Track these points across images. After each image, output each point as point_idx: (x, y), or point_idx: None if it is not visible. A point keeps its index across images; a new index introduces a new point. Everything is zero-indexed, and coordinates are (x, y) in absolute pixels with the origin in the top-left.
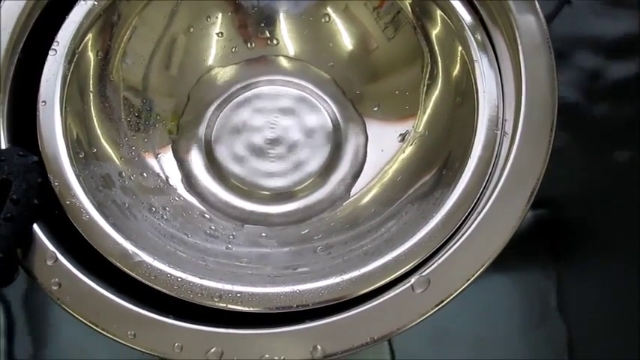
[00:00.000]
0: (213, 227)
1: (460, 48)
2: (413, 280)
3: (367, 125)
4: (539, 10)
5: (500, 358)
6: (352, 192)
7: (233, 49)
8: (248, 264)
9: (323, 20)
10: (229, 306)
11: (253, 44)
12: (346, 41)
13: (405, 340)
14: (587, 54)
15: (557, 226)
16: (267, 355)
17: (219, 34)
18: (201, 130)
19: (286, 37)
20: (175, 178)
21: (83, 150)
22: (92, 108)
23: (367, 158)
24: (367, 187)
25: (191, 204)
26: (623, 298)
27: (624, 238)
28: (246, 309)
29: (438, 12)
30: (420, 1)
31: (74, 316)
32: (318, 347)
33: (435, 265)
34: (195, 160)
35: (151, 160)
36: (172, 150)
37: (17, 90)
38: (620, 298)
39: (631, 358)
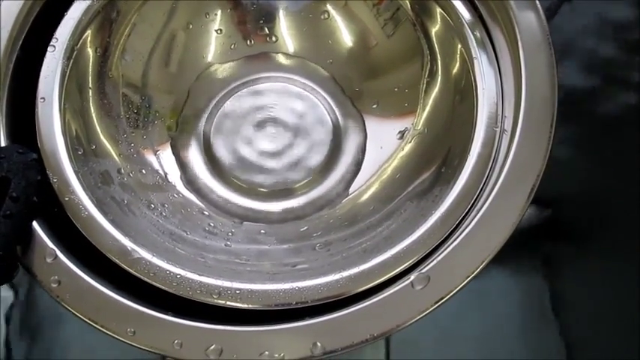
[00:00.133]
0: (212, 224)
1: (459, 45)
2: (413, 277)
3: (366, 122)
4: (539, 6)
5: (499, 358)
6: (351, 189)
7: (232, 46)
8: (247, 261)
9: (322, 17)
10: (228, 303)
11: (252, 41)
12: (345, 38)
13: (403, 339)
14: (587, 52)
15: (557, 226)
16: (266, 352)
17: (219, 31)
18: (200, 127)
19: (285, 33)
20: (174, 175)
21: (82, 147)
22: (91, 105)
23: (366, 155)
24: (366, 185)
25: (190, 201)
26: (623, 298)
27: (624, 238)
28: (245, 306)
29: (438, 9)
30: None
31: (74, 313)
32: (318, 344)
33: (435, 262)
34: (194, 157)
35: (150, 157)
36: (171, 147)
37: (16, 87)
38: (619, 298)
39: (631, 358)
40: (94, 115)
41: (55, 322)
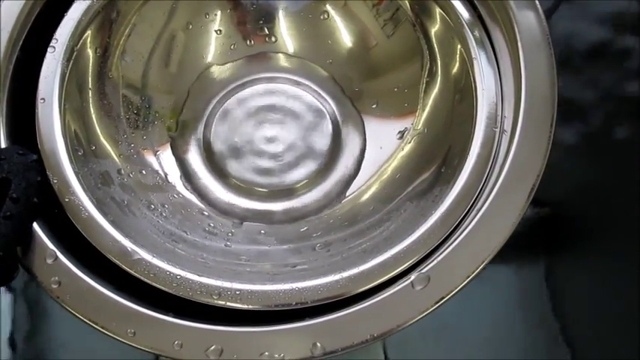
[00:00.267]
0: (212, 224)
1: (459, 45)
2: (413, 277)
3: (366, 122)
4: (538, 6)
5: (499, 357)
6: (351, 189)
7: (232, 47)
8: (247, 261)
9: (322, 17)
10: (228, 303)
11: (252, 41)
12: (345, 38)
13: (403, 339)
14: (586, 51)
15: (557, 225)
16: (266, 353)
17: (218, 32)
18: (200, 127)
19: (285, 34)
20: (174, 176)
21: (82, 147)
22: (91, 105)
23: (366, 156)
24: (366, 185)
25: (190, 201)
26: (623, 298)
27: (624, 237)
28: (245, 306)
29: (437, 9)
30: None
31: (74, 314)
32: (318, 344)
33: (435, 262)
34: (194, 157)
35: (150, 158)
36: (171, 147)
37: (16, 88)
38: (619, 298)
39: (631, 358)
40: (93, 116)
41: (55, 321)
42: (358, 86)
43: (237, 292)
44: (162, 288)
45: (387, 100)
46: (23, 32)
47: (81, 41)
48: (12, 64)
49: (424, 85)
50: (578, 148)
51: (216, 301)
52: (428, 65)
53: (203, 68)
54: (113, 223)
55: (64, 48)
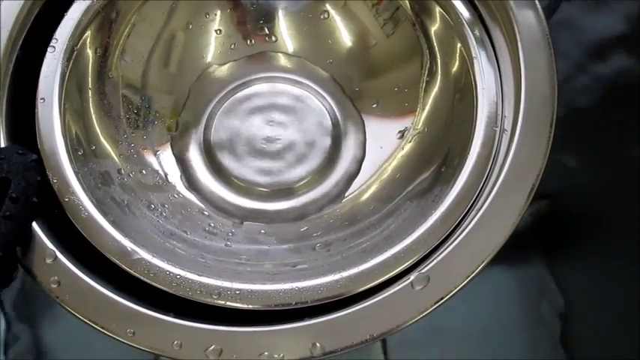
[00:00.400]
0: (212, 224)
1: (459, 45)
2: (412, 277)
3: (366, 122)
4: (538, 6)
5: (498, 357)
6: (351, 189)
7: (232, 46)
8: (247, 261)
9: (322, 17)
10: (228, 303)
11: (252, 41)
12: (345, 38)
13: (403, 338)
14: (586, 50)
15: (557, 223)
16: (266, 353)
17: (218, 31)
18: (200, 127)
19: (285, 33)
20: (174, 176)
21: (82, 147)
22: (91, 105)
23: (366, 155)
24: (366, 184)
25: (190, 201)
26: (624, 296)
27: (624, 237)
28: (244, 306)
29: (437, 8)
30: None
31: (73, 314)
32: (317, 344)
33: (435, 262)
34: (194, 157)
35: (150, 158)
36: (171, 147)
37: (16, 88)
38: (619, 298)
39: (631, 358)
40: (93, 116)
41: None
42: (358, 86)
43: (237, 292)
44: (162, 288)
45: (387, 99)
46: (23, 32)
47: (81, 41)
48: (12, 63)
49: (424, 84)
50: (578, 145)
51: (216, 301)
52: (428, 64)
53: (203, 68)
54: (113, 222)
55: (64, 48)
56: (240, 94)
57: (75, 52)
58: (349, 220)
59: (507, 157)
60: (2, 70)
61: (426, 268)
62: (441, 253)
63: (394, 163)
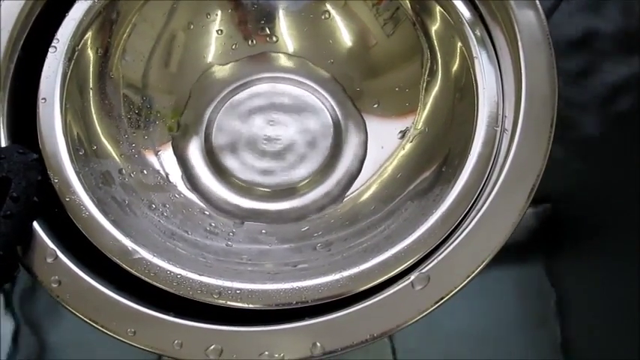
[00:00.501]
0: (213, 224)
1: (460, 44)
2: (413, 277)
3: (367, 122)
4: (539, 5)
5: (498, 357)
6: (352, 189)
7: (233, 47)
8: (248, 261)
9: (323, 17)
10: (229, 303)
11: (253, 41)
12: (346, 38)
13: (404, 339)
14: (585, 49)
15: (557, 224)
16: (266, 352)
17: (219, 32)
18: (202, 127)
19: (286, 34)
20: (175, 175)
21: (83, 147)
22: (92, 105)
23: (367, 155)
24: (367, 184)
25: (191, 201)
26: (623, 298)
27: (624, 236)
28: (245, 306)
29: (438, 8)
30: None
31: (74, 313)
32: (318, 344)
33: (435, 261)
34: (195, 157)
35: (151, 158)
36: (172, 147)
37: (17, 88)
38: (619, 298)
39: (631, 358)
40: (94, 116)
41: (54, 321)
42: (359, 86)
43: (238, 292)
44: (163, 287)
45: (388, 99)
46: (24, 32)
47: (82, 41)
48: (13, 63)
49: (425, 84)
50: (578, 146)
51: (216, 301)
52: (428, 64)
53: (204, 68)
54: (114, 222)
55: (66, 48)
56: (241, 95)
57: (76, 53)
58: (350, 220)
59: (508, 157)
60: (3, 70)
61: (426, 267)
62: (441, 253)
63: (395, 162)
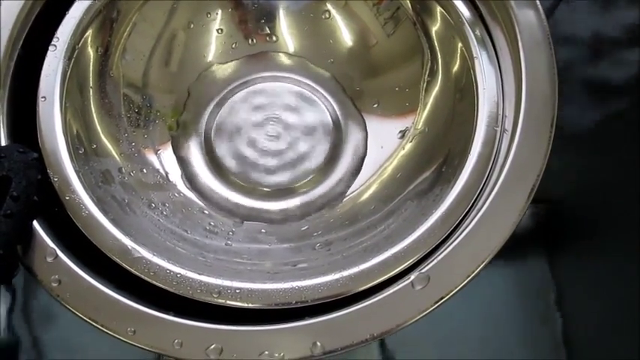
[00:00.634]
0: (212, 223)
1: (460, 44)
2: (413, 276)
3: (367, 122)
4: (539, 5)
5: (499, 357)
6: (352, 188)
7: (233, 46)
8: (247, 260)
9: (323, 17)
10: (228, 302)
11: (253, 40)
12: (346, 37)
13: (402, 339)
14: (585, 49)
15: (557, 224)
16: (266, 352)
17: (219, 31)
18: (201, 126)
19: (286, 33)
20: (175, 175)
21: (83, 146)
22: (92, 104)
23: (367, 155)
24: (367, 184)
25: (191, 200)
26: (624, 298)
27: (624, 235)
28: (245, 305)
29: (438, 8)
30: None
31: (74, 312)
32: (318, 344)
33: (435, 261)
34: (195, 156)
35: (151, 157)
36: (172, 146)
37: (17, 86)
38: (620, 298)
39: (631, 358)
40: (94, 115)
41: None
42: (359, 85)
43: (237, 291)
44: (163, 286)
45: (388, 99)
46: (24, 31)
47: (82, 40)
48: (13, 62)
49: (425, 84)
50: (579, 146)
51: (216, 300)
52: (429, 64)
53: (204, 67)
54: (113, 221)
55: (66, 46)
56: (241, 94)
57: (76, 51)
58: (350, 220)
59: (508, 157)
60: (3, 68)
61: (426, 267)
62: (441, 253)
63: (395, 162)
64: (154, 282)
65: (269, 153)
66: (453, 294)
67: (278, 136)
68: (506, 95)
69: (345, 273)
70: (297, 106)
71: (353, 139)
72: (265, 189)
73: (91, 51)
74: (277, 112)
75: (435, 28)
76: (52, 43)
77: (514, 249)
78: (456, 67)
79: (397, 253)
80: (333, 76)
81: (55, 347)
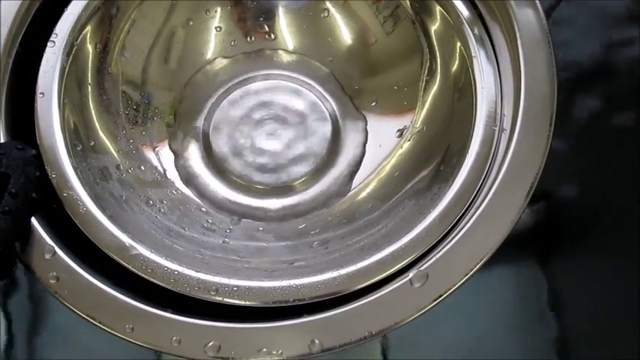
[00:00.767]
0: (210, 221)
1: (459, 43)
2: (411, 274)
3: (366, 120)
4: (538, 5)
5: (495, 357)
6: (350, 187)
7: (232, 43)
8: (245, 258)
9: (322, 15)
10: (225, 299)
11: (252, 38)
12: (345, 36)
13: (401, 339)
14: (585, 49)
15: (553, 223)
16: (264, 349)
17: (218, 28)
18: (199, 124)
19: (285, 31)
20: (173, 172)
21: (81, 142)
22: (90, 100)
23: (365, 153)
24: (365, 182)
25: (188, 197)
26: (622, 297)
27: (622, 236)
28: (242, 303)
29: (437, 7)
30: None
31: (72, 309)
32: (316, 341)
33: (433, 259)
34: (193, 153)
35: (149, 154)
36: (170, 144)
37: (15, 83)
38: (618, 298)
39: (631, 358)
40: (93, 111)
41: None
42: (358, 84)
43: (235, 289)
44: (160, 283)
45: (387, 97)
46: (23, 27)
47: (81, 36)
48: (11, 58)
49: (424, 82)
50: (576, 145)
51: (213, 297)
52: (427, 63)
53: (203, 65)
54: (111, 218)
55: (64, 43)
56: (239, 91)
57: (75, 48)
58: (347, 218)
59: (506, 155)
60: (2, 64)
61: (424, 265)
62: (439, 251)
63: (393, 161)
64: (152, 279)
65: (267, 151)
66: (452, 292)
67: (276, 133)
68: (504, 94)
69: (343, 271)
70: (296, 104)
71: (351, 137)
72: (263, 187)
73: (89, 47)
74: (275, 110)
75: (434, 27)
76: (51, 39)
77: (512, 248)
78: (454, 67)
79: (395, 251)
80: (331, 74)
81: (52, 347)
